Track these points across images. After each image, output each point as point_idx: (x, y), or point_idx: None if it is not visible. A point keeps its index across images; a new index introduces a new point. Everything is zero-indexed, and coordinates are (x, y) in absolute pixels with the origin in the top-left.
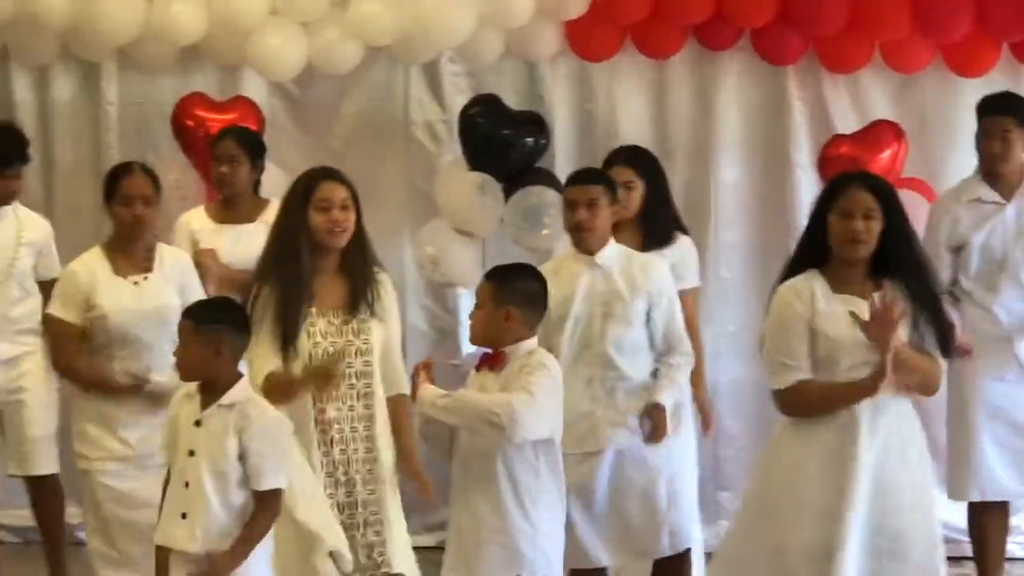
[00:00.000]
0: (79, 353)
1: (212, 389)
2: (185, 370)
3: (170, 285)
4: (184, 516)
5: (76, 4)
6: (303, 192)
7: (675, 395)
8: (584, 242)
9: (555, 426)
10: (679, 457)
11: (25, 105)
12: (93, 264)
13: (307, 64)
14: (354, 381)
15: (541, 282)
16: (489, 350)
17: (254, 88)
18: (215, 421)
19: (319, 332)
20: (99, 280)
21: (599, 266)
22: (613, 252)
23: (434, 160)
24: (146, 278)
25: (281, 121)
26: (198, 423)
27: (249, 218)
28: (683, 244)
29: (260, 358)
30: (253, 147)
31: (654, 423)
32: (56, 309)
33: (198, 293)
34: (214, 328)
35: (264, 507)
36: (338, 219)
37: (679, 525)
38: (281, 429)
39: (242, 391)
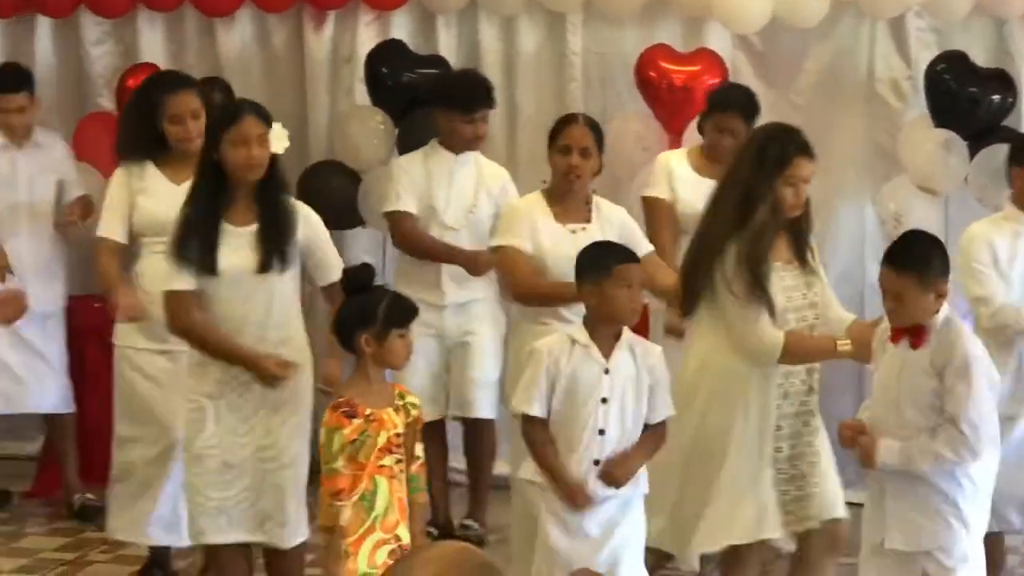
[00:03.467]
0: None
1: (607, 336)
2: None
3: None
4: (597, 463)
5: None
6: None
7: None
8: None
9: None
10: None
11: (491, 54)
12: (534, 206)
13: (772, 17)
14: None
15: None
16: None
17: (718, 40)
18: (623, 365)
19: None
20: (538, 222)
21: None
22: None
23: (897, 117)
24: (584, 228)
25: (744, 74)
26: (607, 371)
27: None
28: None
29: None
30: (754, 113)
31: None
32: (506, 239)
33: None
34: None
35: (660, 432)
36: None
37: None
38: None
39: (629, 333)
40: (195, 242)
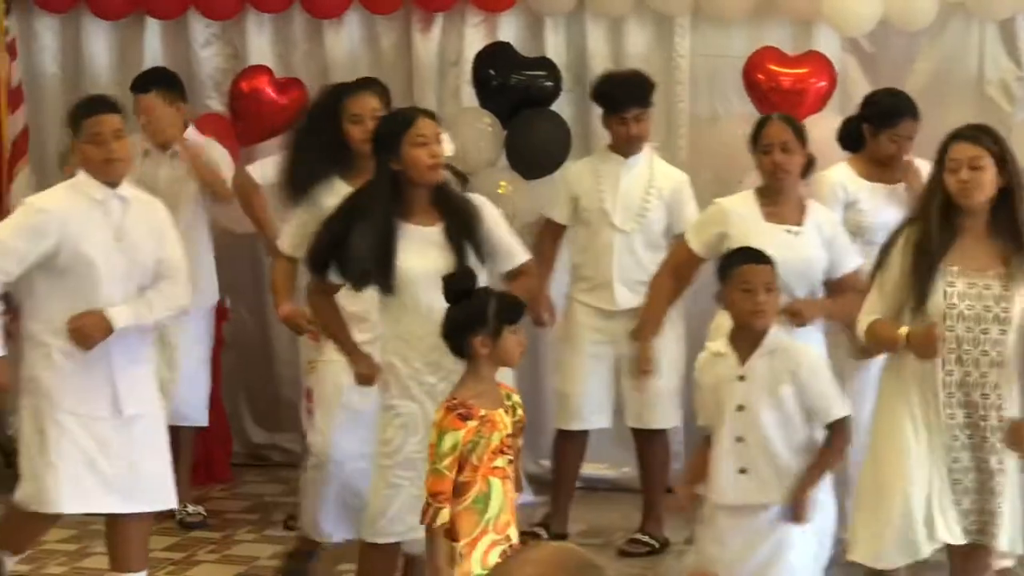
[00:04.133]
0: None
1: (748, 342)
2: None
3: (818, 239)
4: (743, 471)
5: None
6: None
7: None
8: None
9: None
10: None
11: (598, 57)
12: (742, 205)
13: (882, 19)
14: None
15: None
16: None
17: (827, 43)
18: (760, 371)
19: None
20: (748, 221)
21: None
22: None
23: (1007, 118)
24: (798, 232)
25: (853, 76)
26: (741, 378)
27: (894, 179)
28: None
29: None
30: None
31: None
32: (689, 238)
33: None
34: None
35: (838, 434)
36: None
37: None
38: (822, 361)
39: (777, 337)
40: (373, 243)
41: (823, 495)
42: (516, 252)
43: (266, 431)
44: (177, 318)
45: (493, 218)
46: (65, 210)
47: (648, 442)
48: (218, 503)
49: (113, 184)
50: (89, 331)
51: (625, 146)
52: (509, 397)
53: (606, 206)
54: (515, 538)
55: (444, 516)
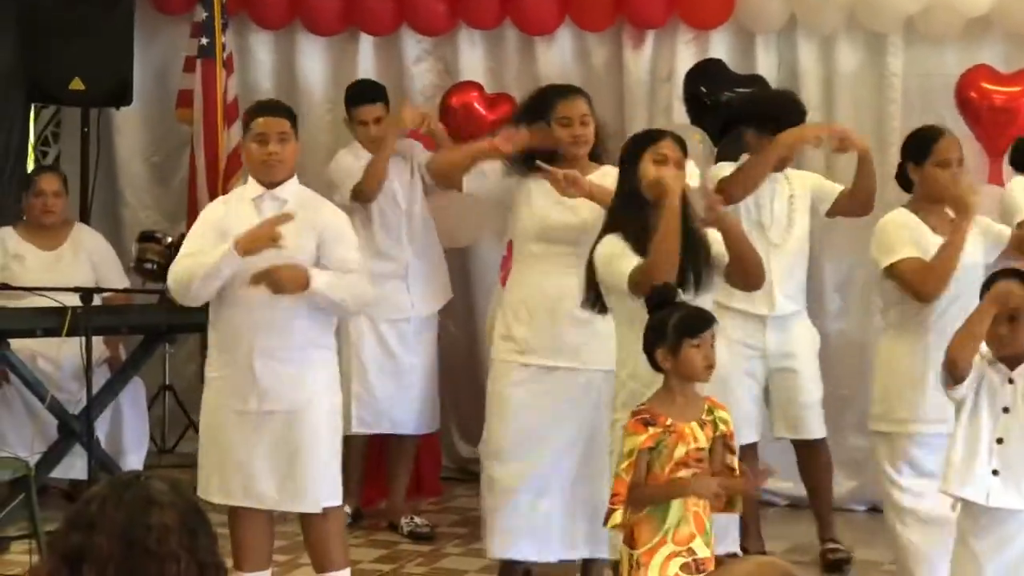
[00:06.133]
0: None
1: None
2: None
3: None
4: (995, 473)
5: None
6: None
7: None
8: None
9: None
10: None
11: (810, 74)
12: (909, 220)
13: None
14: None
15: None
16: None
17: None
18: None
19: None
20: (921, 234)
21: None
22: None
23: None
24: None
25: None
26: (1011, 381)
27: None
28: None
29: None
30: None
31: None
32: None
33: None
34: None
35: None
36: None
37: None
38: None
39: None
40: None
41: None
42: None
43: (472, 446)
44: (360, 310)
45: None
46: (225, 210)
47: (809, 452)
48: (428, 516)
49: (271, 184)
50: (284, 281)
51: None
52: (711, 411)
53: (764, 221)
54: (702, 553)
55: (616, 518)
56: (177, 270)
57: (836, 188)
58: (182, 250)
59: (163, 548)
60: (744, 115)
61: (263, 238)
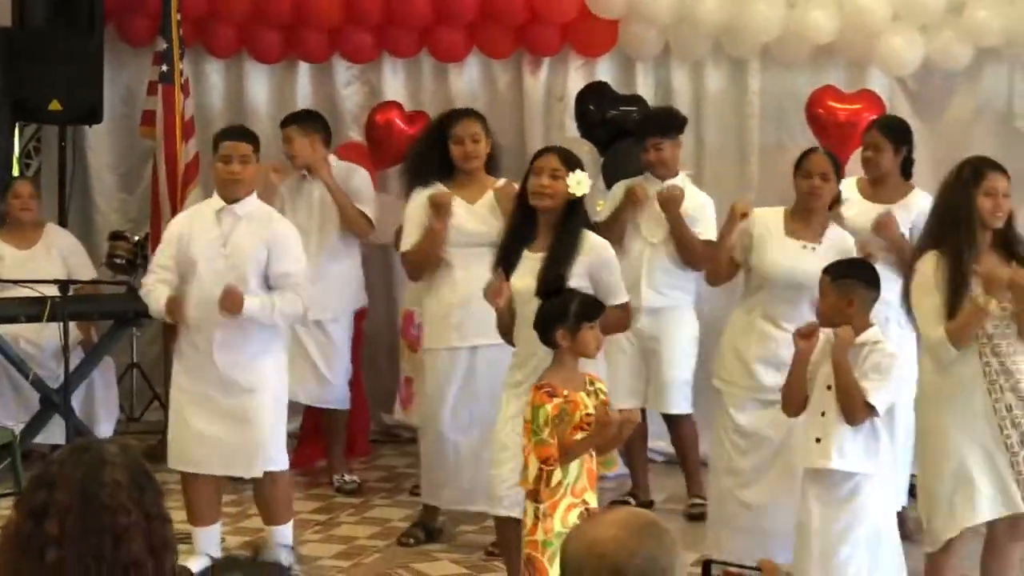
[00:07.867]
0: None
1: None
2: (823, 318)
3: (831, 255)
4: (818, 440)
5: (728, 7)
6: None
7: None
8: None
9: None
10: None
11: (682, 95)
12: (769, 219)
13: (923, 62)
14: None
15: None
16: None
17: (877, 82)
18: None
19: None
20: (769, 233)
21: None
22: None
23: None
24: (815, 248)
25: (900, 110)
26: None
27: (893, 199)
28: None
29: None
30: (898, 134)
31: None
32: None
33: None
34: (846, 282)
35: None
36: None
37: None
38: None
39: (871, 333)
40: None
41: None
42: (615, 294)
43: (389, 414)
44: (292, 324)
45: (603, 261)
46: (186, 220)
47: (673, 424)
48: (359, 473)
49: (232, 200)
50: (228, 304)
51: (655, 170)
52: (592, 383)
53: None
54: (592, 503)
55: (556, 476)
56: (142, 289)
57: (700, 233)
58: (152, 261)
59: (115, 501)
60: (633, 128)
61: (182, 318)
